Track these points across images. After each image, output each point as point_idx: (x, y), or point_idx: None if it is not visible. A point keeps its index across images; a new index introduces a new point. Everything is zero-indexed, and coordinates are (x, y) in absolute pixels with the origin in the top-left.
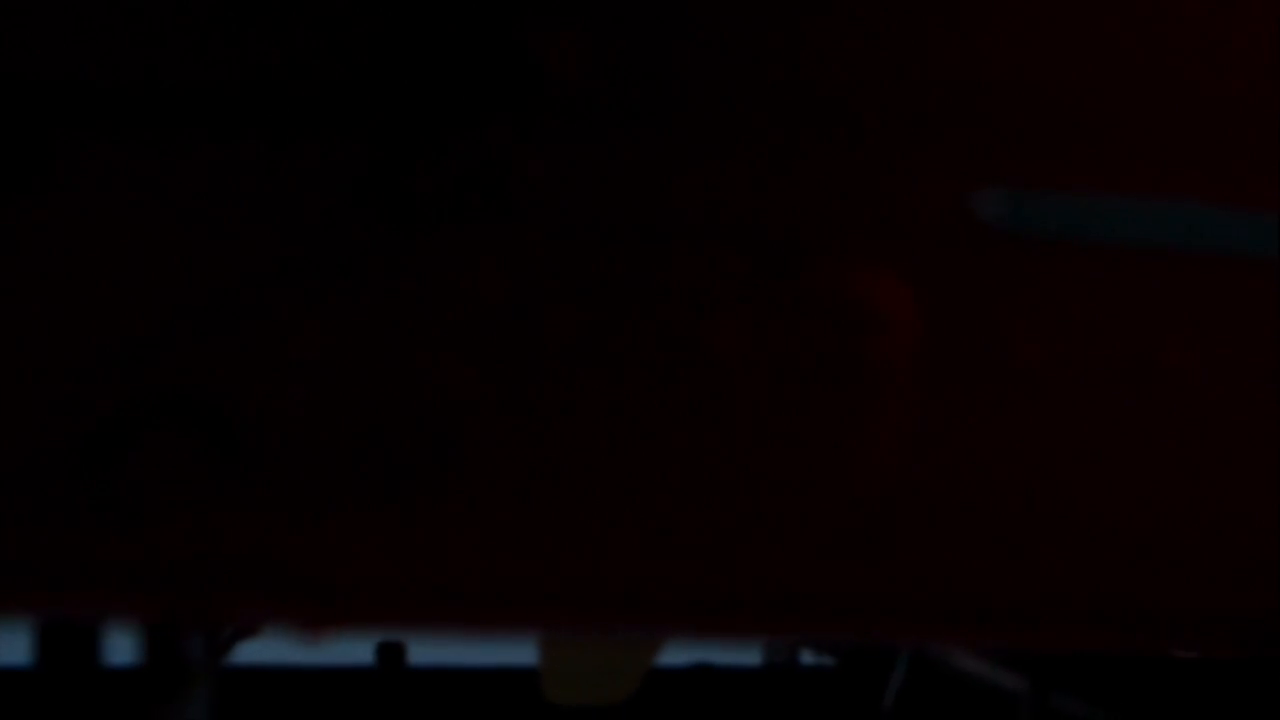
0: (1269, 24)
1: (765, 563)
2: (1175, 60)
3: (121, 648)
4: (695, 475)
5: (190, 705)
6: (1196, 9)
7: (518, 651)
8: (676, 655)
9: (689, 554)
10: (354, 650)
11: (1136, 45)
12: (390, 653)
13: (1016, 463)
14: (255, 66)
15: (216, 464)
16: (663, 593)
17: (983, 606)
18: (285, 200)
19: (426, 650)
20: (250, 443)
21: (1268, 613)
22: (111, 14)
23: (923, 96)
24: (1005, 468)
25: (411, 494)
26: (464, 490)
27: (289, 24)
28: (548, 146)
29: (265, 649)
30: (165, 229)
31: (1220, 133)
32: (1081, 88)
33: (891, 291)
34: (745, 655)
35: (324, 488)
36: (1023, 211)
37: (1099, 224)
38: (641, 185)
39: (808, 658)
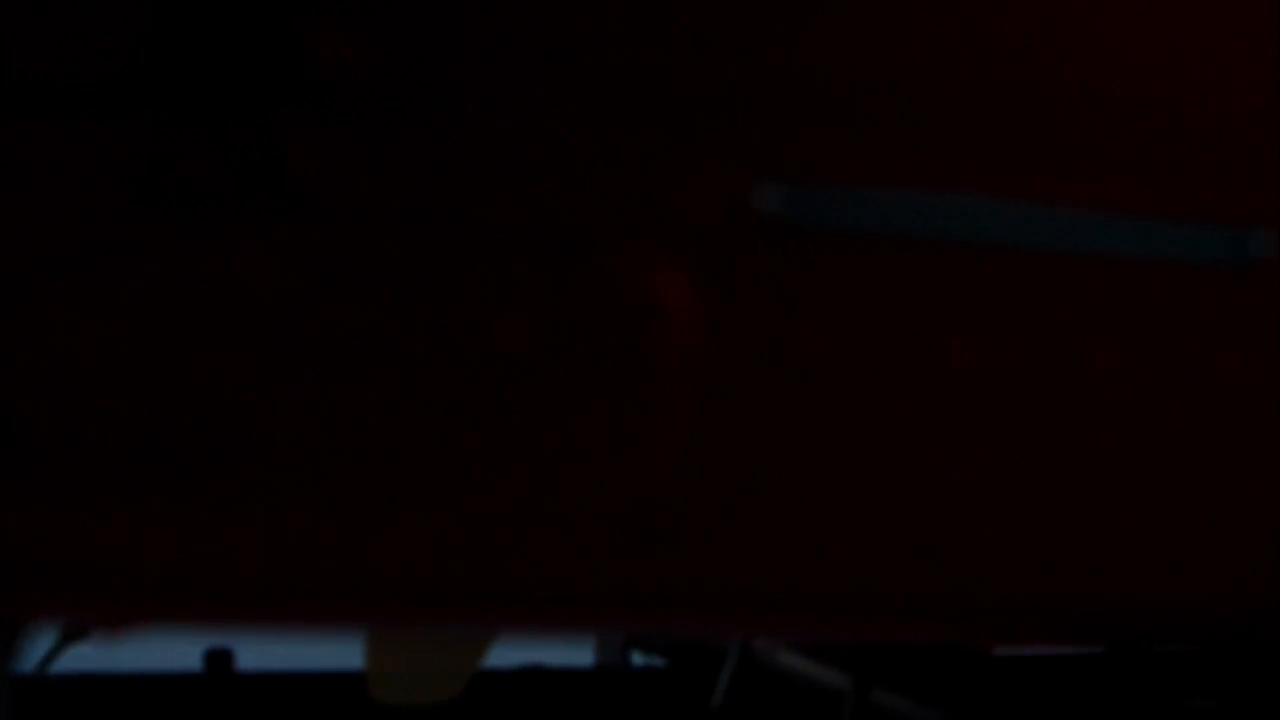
0: (1052, 17)
1: (553, 555)
2: (959, 52)
3: None
4: (480, 469)
5: None
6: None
7: (348, 655)
8: (508, 656)
9: (476, 548)
10: (181, 656)
11: (919, 38)
12: (218, 659)
13: (803, 453)
14: (26, 52)
15: None
16: (449, 586)
17: (772, 598)
18: (59, 189)
19: (255, 656)
20: (24, 434)
21: (1081, 602)
22: None
23: (703, 92)
24: (792, 458)
25: (192, 487)
26: (248, 484)
27: (63, 9)
28: (326, 140)
29: (95, 656)
30: None
31: (1003, 127)
32: (861, 83)
33: (673, 285)
34: (576, 656)
35: (102, 481)
36: (802, 205)
37: (879, 217)
38: (422, 180)
39: (638, 658)
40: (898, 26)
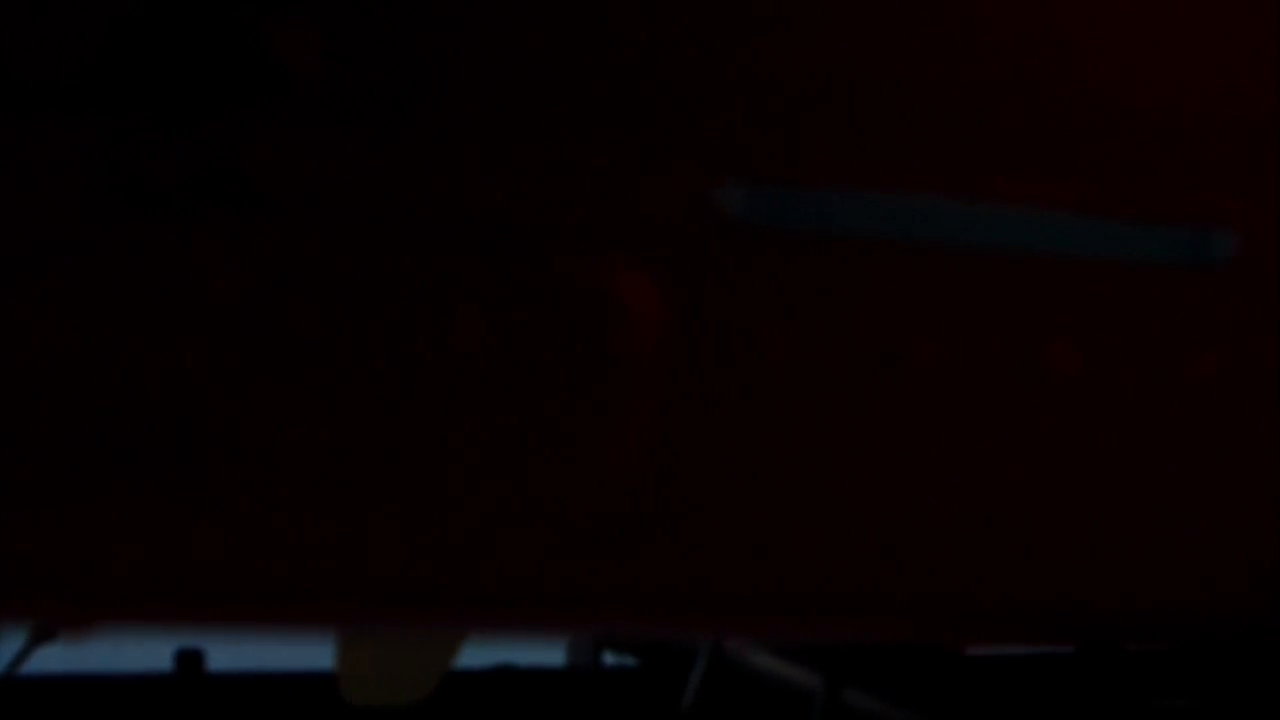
0: (1013, 18)
1: (521, 557)
2: (923, 53)
3: None
4: (440, 470)
5: None
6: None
7: (320, 655)
8: (479, 657)
9: (445, 549)
10: (152, 657)
11: (883, 39)
12: (188, 659)
13: (770, 453)
14: None
15: None
16: (419, 588)
17: (743, 597)
18: (16, 187)
19: (226, 656)
20: None
21: (1054, 602)
22: None
23: (665, 92)
24: (759, 458)
25: (159, 487)
26: (217, 484)
27: (23, 8)
28: (286, 139)
29: (64, 657)
30: None
31: (968, 128)
32: (825, 83)
33: (635, 284)
34: (548, 656)
35: (66, 481)
36: (766, 206)
37: (843, 218)
38: (386, 181)
39: (610, 658)
40: (862, 27)
